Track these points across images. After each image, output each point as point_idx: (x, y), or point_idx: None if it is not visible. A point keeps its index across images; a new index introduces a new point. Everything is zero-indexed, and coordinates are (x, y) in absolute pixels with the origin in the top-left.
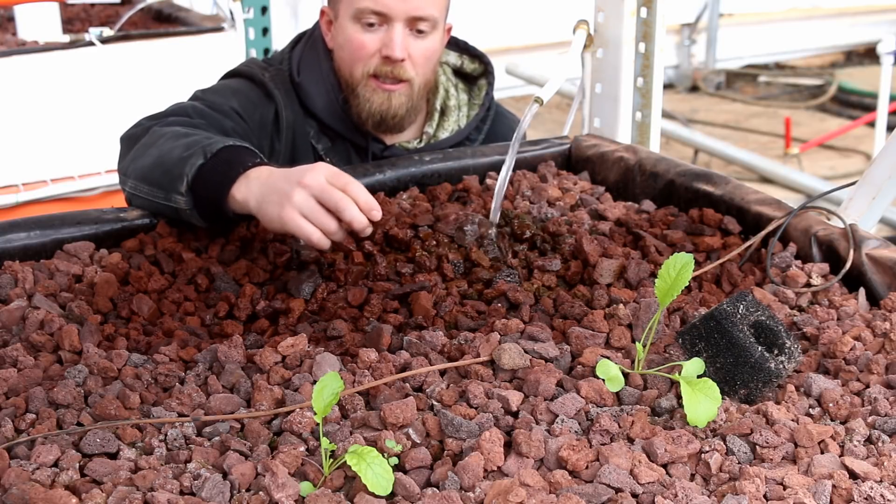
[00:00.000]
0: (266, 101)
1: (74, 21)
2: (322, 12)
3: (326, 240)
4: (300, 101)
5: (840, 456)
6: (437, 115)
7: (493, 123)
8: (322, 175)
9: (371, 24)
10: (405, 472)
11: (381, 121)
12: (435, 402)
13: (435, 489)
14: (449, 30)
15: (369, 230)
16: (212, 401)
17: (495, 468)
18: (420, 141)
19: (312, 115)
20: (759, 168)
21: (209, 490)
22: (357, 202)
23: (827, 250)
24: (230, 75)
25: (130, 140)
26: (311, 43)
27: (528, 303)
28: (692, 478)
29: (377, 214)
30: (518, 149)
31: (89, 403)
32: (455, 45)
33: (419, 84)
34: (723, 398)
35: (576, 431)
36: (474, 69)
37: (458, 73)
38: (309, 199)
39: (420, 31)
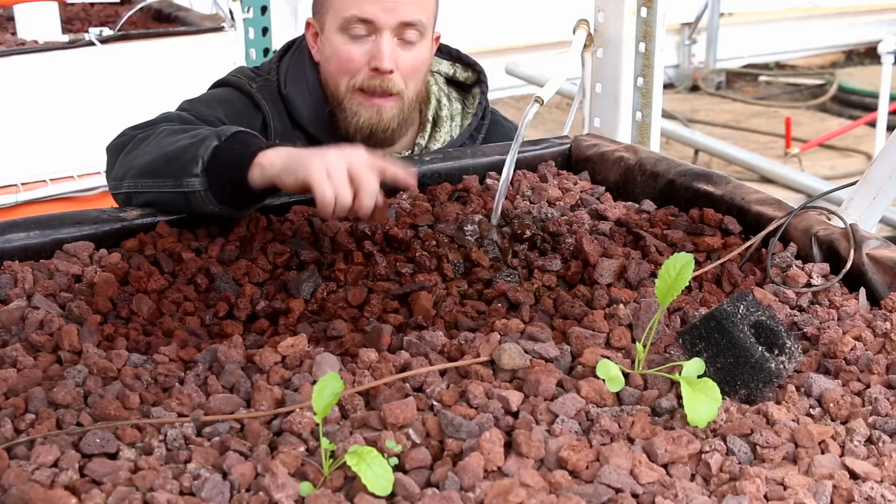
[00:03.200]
0: (254, 111)
1: (74, 21)
2: (307, 24)
3: (332, 207)
4: (288, 113)
5: (840, 456)
6: (429, 126)
7: (489, 132)
8: (364, 155)
9: (359, 35)
10: (405, 473)
11: (371, 135)
12: (435, 402)
13: (435, 489)
14: (437, 38)
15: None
16: (211, 401)
17: (495, 468)
18: (412, 152)
19: (300, 127)
20: (759, 168)
21: (209, 490)
22: (395, 178)
23: (827, 250)
24: (219, 84)
25: (117, 149)
26: (297, 54)
27: (528, 303)
28: (692, 478)
29: (412, 182)
30: (518, 148)
31: (89, 404)
32: (448, 53)
33: (410, 96)
34: (723, 398)
35: (576, 431)
36: (467, 78)
37: (452, 81)
38: (342, 165)
39: (408, 40)
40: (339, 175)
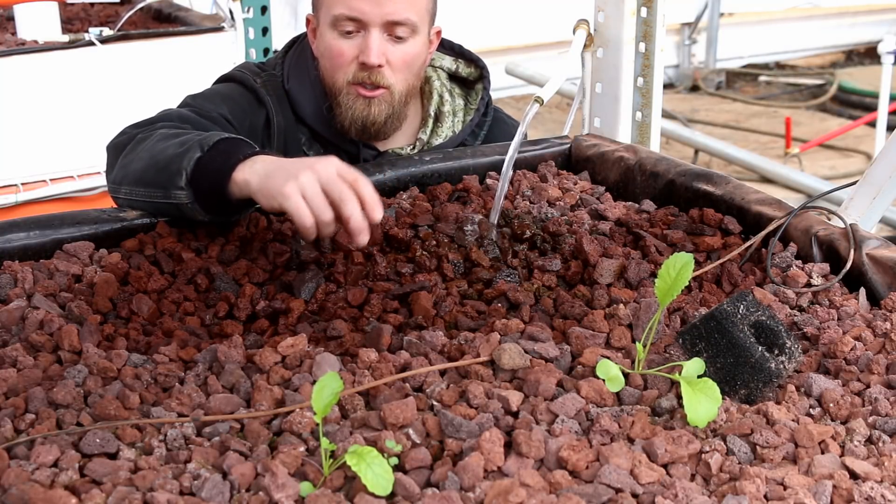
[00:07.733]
0: (257, 107)
1: (74, 21)
2: (307, 20)
3: (314, 230)
4: (292, 108)
5: (840, 456)
6: (431, 122)
7: (491, 129)
8: (333, 166)
9: (349, 32)
10: (405, 472)
11: (363, 128)
12: (435, 402)
13: (435, 489)
14: (438, 33)
15: (364, 239)
16: (211, 401)
17: (495, 468)
18: (413, 147)
19: (303, 123)
20: (759, 168)
21: (209, 490)
22: (363, 198)
23: (827, 250)
24: (223, 79)
25: (117, 149)
26: (300, 50)
27: (528, 303)
28: (692, 478)
29: (378, 215)
30: (518, 148)
31: (89, 403)
32: (450, 49)
33: (400, 90)
34: (723, 398)
35: (576, 431)
36: (470, 73)
37: (455, 77)
38: (315, 183)
39: (399, 37)
40: (313, 194)
